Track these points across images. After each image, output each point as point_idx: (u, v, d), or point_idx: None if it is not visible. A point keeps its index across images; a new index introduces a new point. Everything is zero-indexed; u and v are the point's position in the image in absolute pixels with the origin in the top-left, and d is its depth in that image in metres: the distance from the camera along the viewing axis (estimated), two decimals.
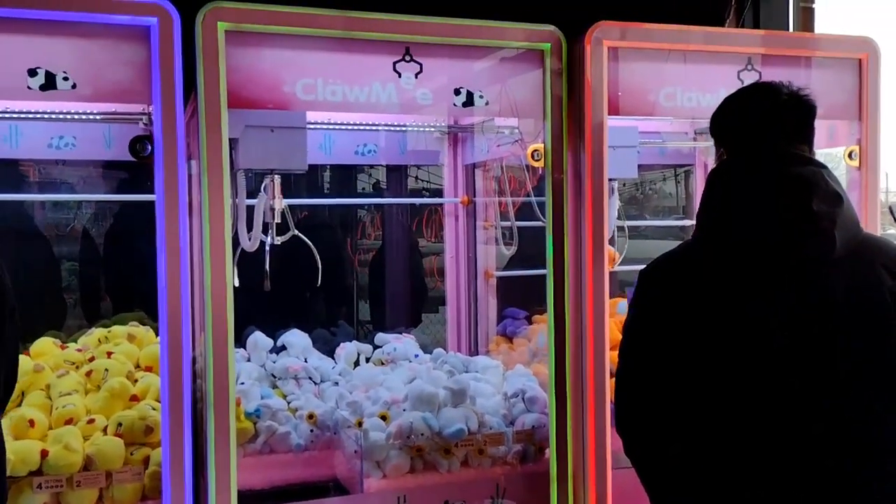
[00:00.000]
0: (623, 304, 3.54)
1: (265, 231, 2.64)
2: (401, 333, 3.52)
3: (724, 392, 1.54)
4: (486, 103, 2.64)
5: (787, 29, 3.84)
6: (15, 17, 2.18)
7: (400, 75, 2.54)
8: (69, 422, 2.48)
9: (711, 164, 3.74)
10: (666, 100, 2.77)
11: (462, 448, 2.70)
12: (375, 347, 3.45)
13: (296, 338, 3.31)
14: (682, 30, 2.75)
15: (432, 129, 3.35)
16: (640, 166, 3.06)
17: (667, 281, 1.65)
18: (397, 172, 4.06)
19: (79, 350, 2.90)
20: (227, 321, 2.38)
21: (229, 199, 2.37)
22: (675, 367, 1.58)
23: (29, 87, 2.22)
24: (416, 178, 4.17)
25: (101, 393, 2.61)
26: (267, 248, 2.60)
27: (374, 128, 3.18)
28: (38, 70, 2.22)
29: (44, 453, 2.33)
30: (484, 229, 3.54)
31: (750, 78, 2.83)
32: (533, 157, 2.70)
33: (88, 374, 2.70)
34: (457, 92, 2.61)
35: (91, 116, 2.71)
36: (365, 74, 2.51)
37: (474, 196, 3.57)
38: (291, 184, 3.87)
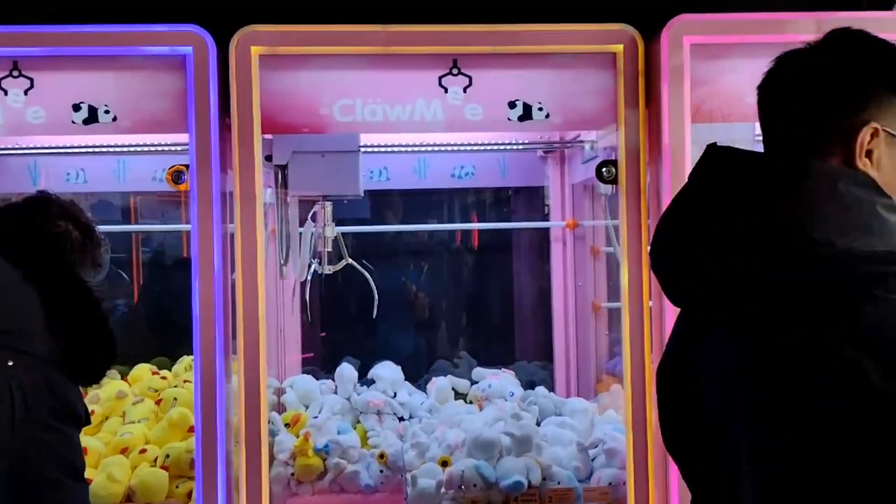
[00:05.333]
0: None
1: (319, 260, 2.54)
2: (499, 369, 3.27)
3: None
4: (547, 116, 2.36)
5: None
6: (59, 54, 2.26)
7: (446, 90, 2.34)
8: (124, 451, 2.51)
9: None
10: None
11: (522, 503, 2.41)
12: (473, 383, 3.22)
13: (385, 370, 3.16)
14: (780, 18, 2.29)
15: (520, 147, 3.07)
16: None
17: None
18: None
19: (163, 378, 2.95)
20: (260, 350, 2.29)
21: (262, 228, 2.29)
22: None
23: (73, 122, 2.28)
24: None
25: (161, 422, 2.62)
26: (308, 277, 2.49)
27: (457, 149, 2.97)
28: (81, 105, 2.28)
29: (87, 482, 2.36)
30: (591, 255, 3.21)
31: None
32: (603, 173, 2.37)
33: (158, 402, 2.74)
34: (511, 105, 2.35)
35: (174, 149, 2.76)
36: (407, 91, 2.33)
37: (582, 219, 3.25)
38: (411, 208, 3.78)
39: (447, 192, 3.55)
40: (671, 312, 2.29)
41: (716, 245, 1.05)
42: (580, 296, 3.26)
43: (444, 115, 2.33)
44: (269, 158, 2.43)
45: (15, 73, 2.23)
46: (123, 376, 3.07)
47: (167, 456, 2.47)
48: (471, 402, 3.14)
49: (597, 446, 2.54)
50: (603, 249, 3.16)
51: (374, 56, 2.32)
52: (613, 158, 2.38)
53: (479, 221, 3.82)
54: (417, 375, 3.38)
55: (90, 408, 2.78)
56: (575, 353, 3.28)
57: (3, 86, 2.23)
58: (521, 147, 3.01)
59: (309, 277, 2.52)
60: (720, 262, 1.04)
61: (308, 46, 2.30)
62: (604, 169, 2.36)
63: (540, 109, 2.35)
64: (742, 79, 2.37)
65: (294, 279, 2.56)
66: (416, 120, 2.33)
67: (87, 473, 2.41)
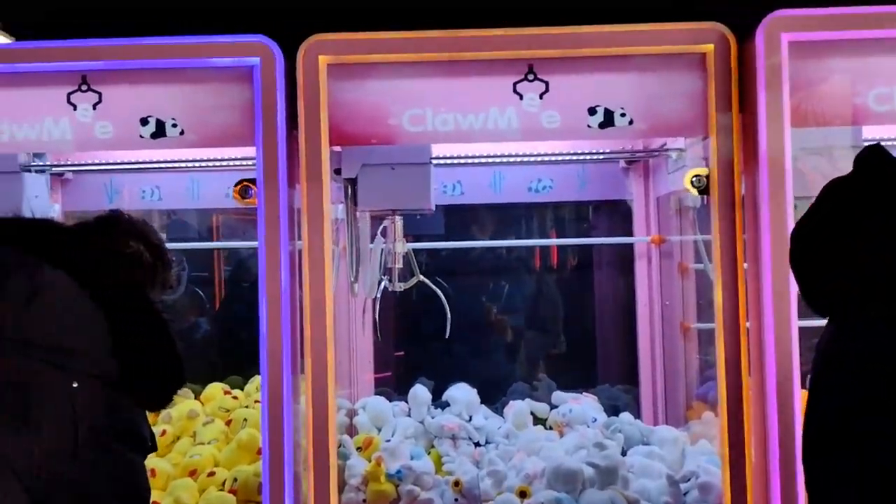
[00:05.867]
0: None
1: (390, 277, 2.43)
2: (580, 392, 3.09)
3: None
4: (630, 122, 2.20)
5: None
6: (126, 68, 2.23)
7: (522, 97, 2.21)
8: (193, 473, 2.45)
9: None
10: (878, 102, 2.11)
11: None
12: (553, 408, 3.06)
13: (460, 392, 3.03)
14: (890, 12, 2.08)
15: (601, 157, 2.89)
16: None
17: None
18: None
19: (234, 398, 2.89)
20: (328, 370, 2.19)
21: (330, 243, 2.20)
22: None
23: (141, 136, 2.25)
24: None
25: (231, 444, 2.55)
26: (379, 295, 2.39)
27: (533, 160, 2.82)
28: (148, 119, 2.24)
29: None
30: (679, 273, 3.01)
31: None
32: (692, 183, 2.19)
33: (229, 422, 2.67)
34: (592, 111, 2.20)
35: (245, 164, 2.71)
36: (480, 99, 2.21)
37: (668, 234, 3.05)
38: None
39: (524, 207, 3.41)
40: (771, 333, 2.10)
41: (873, 241, 1.10)
42: (667, 316, 3.06)
43: (520, 123, 2.20)
44: (338, 172, 2.35)
45: (84, 87, 2.21)
46: (197, 395, 3.04)
47: (235, 479, 2.39)
48: (550, 428, 2.98)
49: (689, 480, 2.34)
50: (691, 266, 2.96)
51: (445, 62, 2.21)
52: (704, 167, 2.21)
53: (559, 237, 3.65)
54: (495, 398, 3.24)
55: (162, 427, 2.75)
56: (662, 376, 3.07)
57: (72, 100, 2.22)
58: (601, 157, 2.85)
59: (379, 295, 2.42)
60: (875, 258, 1.10)
61: (377, 54, 2.21)
62: (694, 178, 2.18)
63: (623, 115, 2.20)
64: (845, 79, 2.18)
65: (366, 296, 2.46)
66: (490, 128, 2.21)
67: (155, 496, 2.36)
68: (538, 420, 3.03)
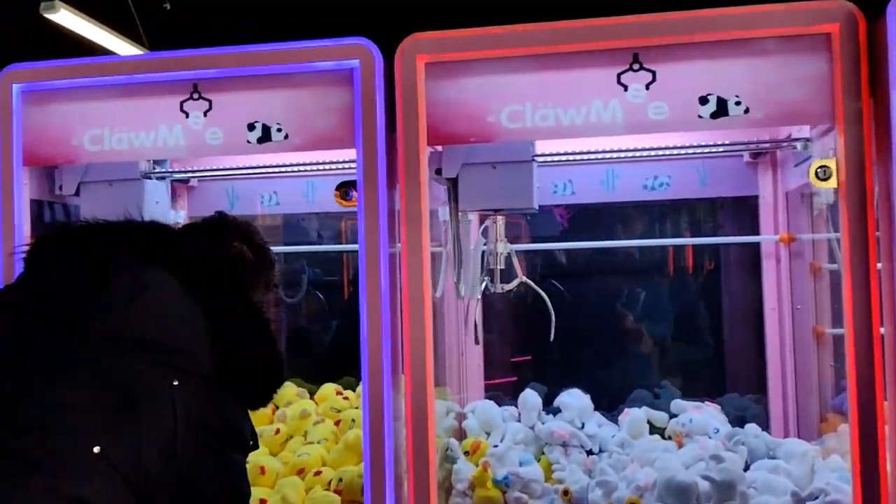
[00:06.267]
0: None
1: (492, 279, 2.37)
2: (702, 401, 2.92)
3: None
4: (746, 111, 2.05)
5: None
6: (234, 75, 2.29)
7: (626, 88, 2.10)
8: (301, 472, 2.48)
9: None
10: None
11: None
12: (672, 416, 2.90)
13: (572, 398, 2.93)
14: None
15: (721, 150, 2.70)
16: None
17: None
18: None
19: (345, 398, 2.92)
20: (427, 373, 2.16)
21: (428, 245, 2.17)
22: None
23: (248, 142, 2.30)
24: None
25: (339, 444, 2.57)
26: (479, 297, 2.33)
27: (646, 154, 2.67)
28: (255, 124, 2.29)
29: (262, 502, 2.34)
30: (811, 273, 2.78)
31: None
32: (817, 175, 2.01)
33: (337, 423, 2.70)
34: (703, 100, 2.06)
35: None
36: (582, 92, 2.12)
37: (799, 232, 2.83)
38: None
39: (639, 206, 3.25)
40: None
41: None
42: (799, 320, 2.84)
43: (624, 116, 2.09)
44: (438, 172, 2.32)
45: (195, 95, 2.29)
46: (312, 395, 3.09)
47: (340, 479, 2.40)
48: (669, 438, 2.83)
49: (817, 497, 2.14)
50: (824, 267, 2.73)
51: (544, 56, 2.13)
52: (832, 157, 2.02)
53: (679, 237, 3.47)
54: (613, 405, 3.11)
55: (276, 426, 2.81)
56: (793, 385, 2.85)
57: (185, 108, 2.30)
58: (721, 150, 2.67)
59: (480, 297, 2.37)
60: None
61: (475, 51, 2.16)
62: (819, 169, 2.00)
63: (737, 104, 2.04)
64: None
65: (475, 299, 2.41)
66: (593, 122, 2.11)
67: (264, 493, 2.41)
68: (655, 429, 2.89)
